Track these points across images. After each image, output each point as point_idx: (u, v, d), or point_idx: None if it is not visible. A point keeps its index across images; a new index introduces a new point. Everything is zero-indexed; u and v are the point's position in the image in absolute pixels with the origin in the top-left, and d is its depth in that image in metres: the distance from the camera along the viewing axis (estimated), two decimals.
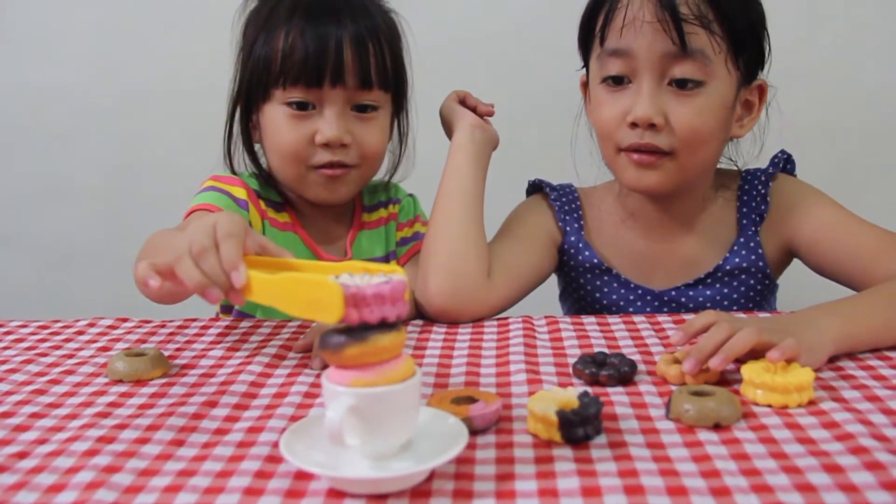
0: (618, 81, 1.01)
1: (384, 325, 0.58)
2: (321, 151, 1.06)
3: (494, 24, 1.82)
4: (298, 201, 1.14)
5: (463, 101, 1.15)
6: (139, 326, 1.02)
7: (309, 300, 0.60)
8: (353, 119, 1.07)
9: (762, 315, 0.99)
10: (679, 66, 0.97)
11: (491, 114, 1.15)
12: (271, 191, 1.14)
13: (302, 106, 1.05)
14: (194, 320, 1.04)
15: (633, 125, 0.99)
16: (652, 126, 0.98)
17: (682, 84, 0.98)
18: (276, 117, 1.06)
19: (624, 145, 1.01)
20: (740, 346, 0.76)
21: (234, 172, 1.14)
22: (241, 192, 1.10)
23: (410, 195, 1.26)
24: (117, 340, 0.96)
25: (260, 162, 1.14)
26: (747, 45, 1.00)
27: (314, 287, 0.60)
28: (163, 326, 1.01)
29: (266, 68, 1.05)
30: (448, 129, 1.14)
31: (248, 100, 1.09)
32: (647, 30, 0.97)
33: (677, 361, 0.80)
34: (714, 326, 0.79)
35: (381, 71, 1.06)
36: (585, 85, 1.12)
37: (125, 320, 1.03)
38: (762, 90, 1.06)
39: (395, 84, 1.10)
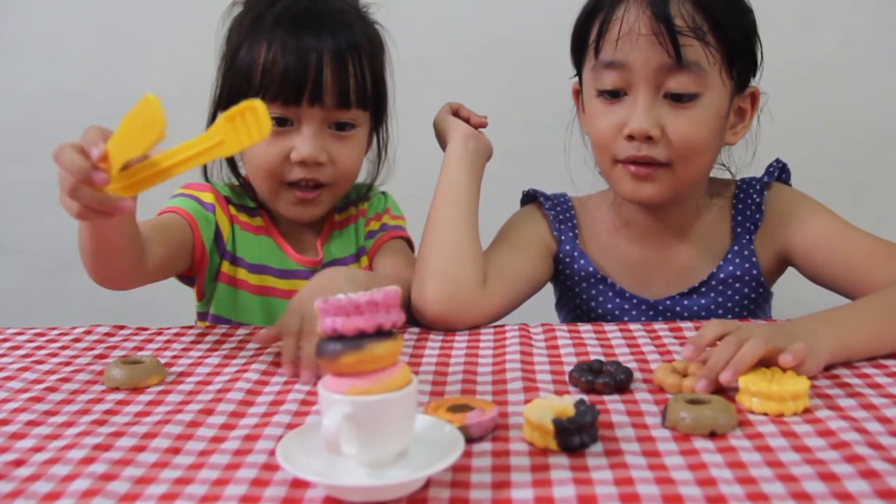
0: (613, 94, 1.01)
1: (380, 333, 0.58)
2: (296, 168, 1.06)
3: (488, 34, 1.82)
4: (273, 208, 1.15)
5: (456, 113, 1.15)
6: (136, 334, 1.01)
7: (136, 130, 0.63)
8: (330, 137, 1.07)
9: (762, 323, 0.99)
10: (674, 79, 0.97)
11: (484, 125, 1.15)
12: (246, 197, 1.16)
13: (280, 122, 1.05)
14: (191, 327, 1.04)
15: (630, 137, 0.99)
16: (649, 138, 0.98)
17: (677, 97, 0.98)
18: None
19: (621, 157, 1.01)
20: (749, 359, 0.76)
21: (206, 180, 1.15)
22: (208, 197, 1.11)
23: (383, 192, 1.26)
24: (114, 348, 0.96)
25: (238, 170, 1.15)
26: (741, 54, 1.01)
27: (136, 113, 0.62)
28: (159, 334, 1.01)
29: (247, 80, 1.05)
30: (442, 140, 1.14)
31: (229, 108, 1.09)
32: (643, 43, 0.97)
33: (674, 370, 0.80)
34: (722, 342, 0.78)
35: (360, 91, 1.06)
36: (578, 93, 1.12)
37: (122, 328, 1.03)
38: (754, 97, 1.07)
39: (374, 102, 1.10)
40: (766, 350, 0.76)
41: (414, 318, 1.04)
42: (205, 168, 1.15)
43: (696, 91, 0.98)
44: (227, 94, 1.08)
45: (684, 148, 0.99)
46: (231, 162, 1.14)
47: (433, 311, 1.00)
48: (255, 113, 0.66)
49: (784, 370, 0.76)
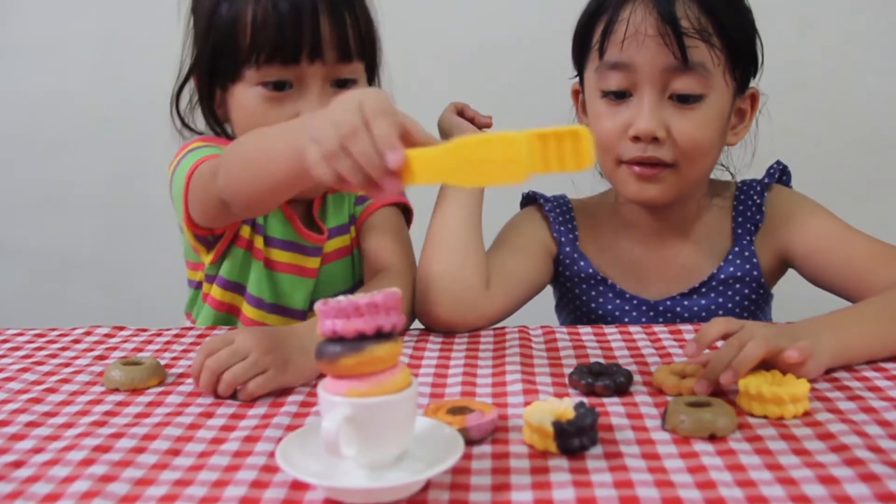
0: (618, 95, 1.01)
1: (380, 335, 0.58)
2: None
3: (491, 36, 1.83)
4: None
5: (461, 113, 1.15)
6: (136, 335, 1.01)
7: (489, 161, 0.53)
8: (333, 96, 0.98)
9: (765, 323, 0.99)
10: (680, 80, 0.98)
11: (489, 125, 1.15)
12: None
13: (279, 86, 0.97)
14: (191, 329, 1.04)
15: (636, 139, 0.99)
16: (654, 140, 0.98)
17: (682, 98, 0.98)
18: (250, 100, 0.99)
19: (626, 158, 1.01)
20: (750, 360, 0.75)
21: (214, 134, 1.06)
22: None
23: None
24: (114, 349, 0.96)
25: (226, 130, 1.07)
26: (744, 55, 1.01)
27: (494, 145, 0.53)
28: (159, 335, 1.01)
29: (233, 43, 0.97)
30: (445, 138, 1.14)
31: (212, 77, 1.02)
32: (649, 44, 0.97)
33: (674, 372, 0.80)
34: (724, 344, 0.78)
35: (358, 39, 0.99)
36: (577, 93, 1.12)
37: (122, 328, 1.03)
38: (754, 98, 1.07)
39: (370, 53, 1.04)
40: (767, 351, 0.76)
41: (416, 319, 1.04)
42: (187, 128, 1.08)
43: (702, 92, 0.98)
44: (209, 61, 1.00)
45: (689, 149, 0.99)
46: (216, 120, 1.06)
47: (436, 315, 1.00)
48: (577, 140, 0.56)
49: (784, 372, 0.76)
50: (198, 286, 1.12)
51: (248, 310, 1.08)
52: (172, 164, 1.03)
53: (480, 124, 1.14)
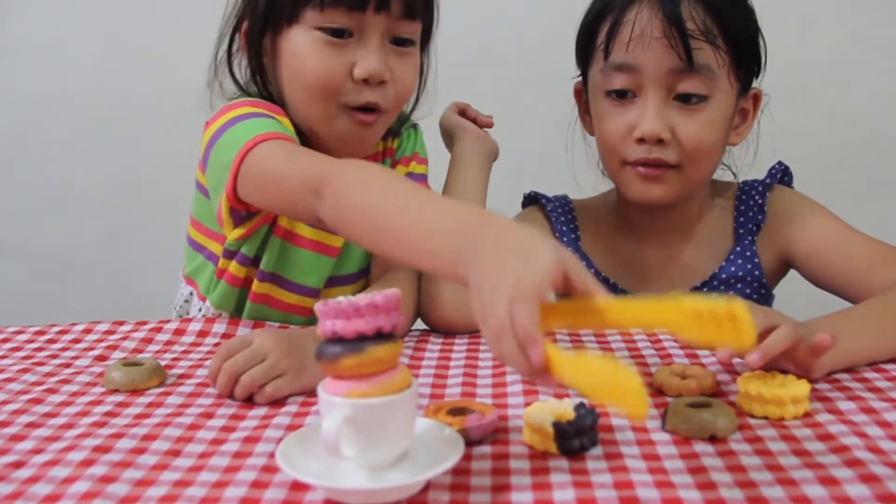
0: (622, 95, 1.01)
1: (380, 336, 0.58)
2: (356, 88, 0.94)
3: (493, 36, 1.83)
4: (310, 134, 1.01)
5: (462, 113, 1.15)
6: (136, 330, 1.01)
7: (608, 386, 0.53)
8: (392, 53, 0.96)
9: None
10: (685, 82, 0.98)
11: (490, 125, 1.15)
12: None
13: (338, 33, 0.92)
14: (191, 320, 1.03)
15: (641, 140, 0.99)
16: (660, 141, 0.98)
17: (687, 99, 0.98)
18: (306, 44, 0.94)
19: (631, 159, 1.01)
20: (780, 345, 0.75)
21: (252, 96, 0.99)
22: (287, 123, 0.96)
23: (414, 126, 1.14)
24: (114, 348, 0.96)
25: (272, 94, 1.01)
26: (747, 56, 1.01)
27: (612, 374, 0.52)
28: (159, 330, 1.01)
29: None
30: (448, 140, 1.14)
31: (265, 19, 0.96)
32: (655, 45, 0.97)
33: (674, 373, 0.80)
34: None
35: (425, 1, 0.97)
36: (580, 93, 1.12)
37: (122, 323, 1.03)
38: (756, 98, 1.07)
39: (429, 15, 1.00)
40: (795, 338, 0.75)
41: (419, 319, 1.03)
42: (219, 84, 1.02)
43: (706, 93, 0.98)
44: (265, 11, 0.95)
45: (694, 150, 0.99)
46: (265, 86, 1.00)
47: (441, 315, 1.00)
48: (735, 322, 0.52)
49: (801, 363, 0.75)
50: (209, 257, 1.06)
51: (256, 285, 1.03)
52: (214, 123, 0.96)
53: (482, 124, 1.14)
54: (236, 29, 1.01)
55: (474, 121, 1.14)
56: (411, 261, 0.70)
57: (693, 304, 0.53)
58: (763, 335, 0.75)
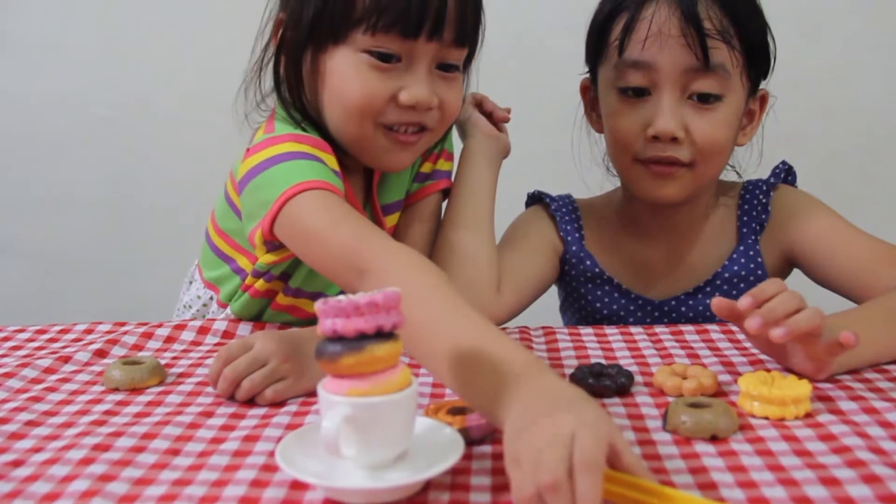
0: (639, 94, 1.00)
1: (380, 335, 0.58)
2: (398, 110, 0.93)
3: (502, 33, 1.81)
4: (346, 147, 0.99)
5: (479, 105, 1.14)
6: (137, 327, 1.01)
7: None
8: (439, 79, 0.94)
9: None
10: (700, 81, 0.97)
11: (506, 120, 1.14)
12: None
13: (386, 58, 0.90)
14: (191, 320, 1.03)
15: (654, 138, 0.99)
16: (674, 139, 0.98)
17: (702, 98, 0.98)
18: (351, 66, 0.91)
19: (644, 157, 1.01)
20: (806, 325, 0.75)
21: (302, 130, 0.95)
22: (332, 161, 0.94)
23: None
24: (114, 342, 0.95)
25: (309, 115, 0.98)
26: (759, 57, 1.01)
27: None
28: (160, 326, 1.01)
29: (348, 5, 0.89)
30: (461, 131, 1.14)
31: (310, 36, 0.93)
32: (672, 44, 0.96)
33: (675, 373, 0.80)
34: (785, 294, 0.76)
35: (474, 27, 0.95)
36: (586, 90, 1.12)
37: (122, 324, 1.03)
38: (763, 99, 1.07)
39: (475, 42, 0.99)
40: (820, 324, 0.75)
41: None
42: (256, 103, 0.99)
43: (721, 93, 0.98)
44: (312, 18, 0.92)
45: (707, 149, 0.99)
46: (302, 103, 0.97)
47: None
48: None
49: (792, 378, 0.75)
50: (236, 270, 1.05)
51: (281, 298, 1.04)
52: (254, 156, 0.93)
53: (498, 119, 1.13)
54: (273, 37, 0.98)
55: (490, 115, 1.12)
56: (452, 387, 0.67)
57: None
58: (789, 315, 0.75)
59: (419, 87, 0.91)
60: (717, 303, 0.78)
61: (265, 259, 0.97)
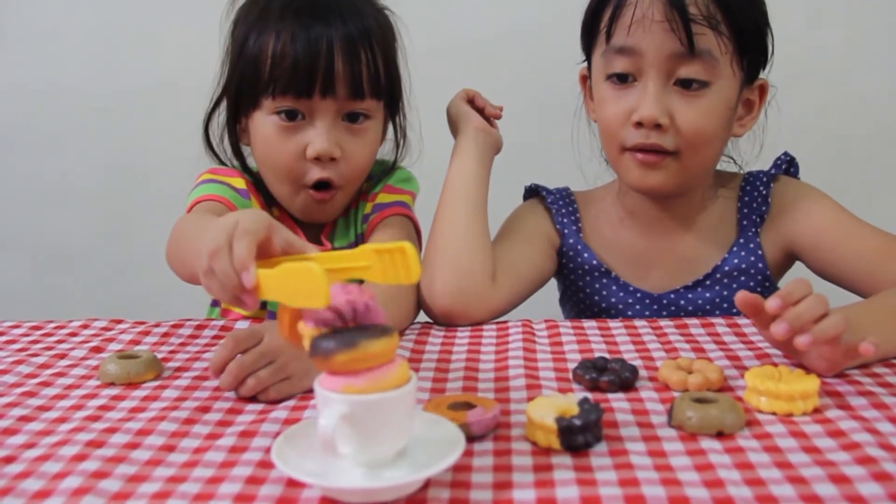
0: (623, 79, 1.00)
1: (375, 330, 0.57)
2: (312, 167, 1.03)
3: (498, 25, 1.81)
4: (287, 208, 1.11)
5: (471, 101, 1.13)
6: (133, 327, 1.00)
7: (298, 288, 0.59)
8: (344, 131, 1.03)
9: None
10: (686, 67, 0.97)
11: (498, 116, 1.14)
12: (261, 189, 1.11)
13: (291, 115, 1.01)
14: (189, 320, 1.02)
15: (639, 125, 0.98)
16: (657, 126, 0.97)
17: (687, 84, 0.97)
18: (267, 128, 1.03)
19: (628, 145, 1.00)
20: (831, 332, 0.74)
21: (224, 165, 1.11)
22: (241, 183, 1.08)
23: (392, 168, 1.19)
24: (111, 341, 0.95)
25: (247, 164, 1.11)
26: (752, 45, 1.00)
27: (299, 274, 0.59)
28: (157, 326, 1.00)
29: (255, 74, 1.01)
30: (453, 127, 1.13)
31: (237, 102, 1.06)
32: (656, 29, 0.96)
33: (680, 367, 0.78)
34: (811, 299, 0.75)
35: (372, 79, 1.02)
36: (585, 79, 1.11)
37: (119, 321, 1.02)
38: (763, 89, 1.06)
39: (388, 91, 1.06)
40: (845, 329, 0.74)
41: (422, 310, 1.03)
42: (214, 152, 1.11)
43: (707, 79, 0.97)
44: (236, 87, 1.05)
45: (693, 137, 0.98)
46: (240, 157, 1.11)
47: (442, 304, 0.99)
48: (404, 256, 0.62)
49: (799, 372, 0.74)
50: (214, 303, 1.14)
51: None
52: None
53: (490, 115, 1.13)
54: (219, 103, 1.10)
55: (482, 110, 1.12)
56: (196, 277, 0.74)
57: (373, 245, 0.63)
58: (816, 321, 0.74)
59: (320, 139, 1.01)
60: (743, 297, 0.77)
61: None
